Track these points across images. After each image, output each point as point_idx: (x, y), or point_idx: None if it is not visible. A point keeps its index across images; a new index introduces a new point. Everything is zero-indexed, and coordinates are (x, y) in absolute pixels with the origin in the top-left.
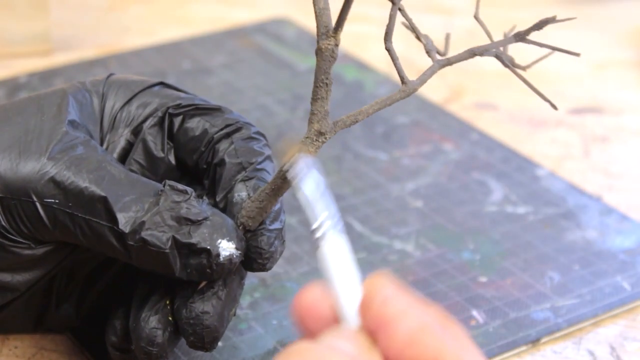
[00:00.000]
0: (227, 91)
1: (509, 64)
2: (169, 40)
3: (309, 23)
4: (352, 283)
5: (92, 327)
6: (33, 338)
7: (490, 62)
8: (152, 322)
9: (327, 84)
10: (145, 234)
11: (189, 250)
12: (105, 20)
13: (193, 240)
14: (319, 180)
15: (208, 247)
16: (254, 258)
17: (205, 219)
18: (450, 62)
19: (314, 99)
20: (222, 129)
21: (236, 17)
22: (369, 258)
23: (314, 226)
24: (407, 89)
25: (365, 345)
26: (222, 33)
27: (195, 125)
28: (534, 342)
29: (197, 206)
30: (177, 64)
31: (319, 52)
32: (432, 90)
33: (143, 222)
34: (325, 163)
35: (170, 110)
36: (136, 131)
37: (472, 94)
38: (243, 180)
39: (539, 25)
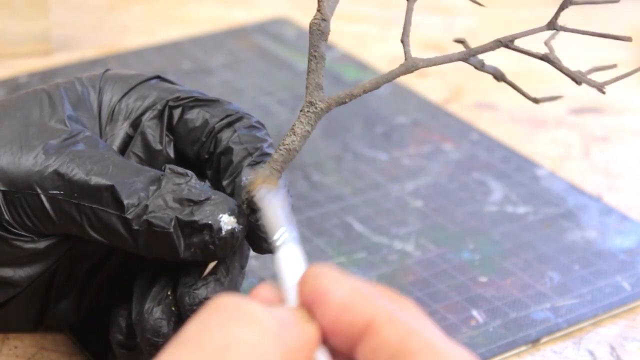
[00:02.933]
0: (227, 91)
1: (544, 57)
2: (169, 40)
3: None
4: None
5: (92, 325)
6: (33, 338)
7: (491, 63)
8: (156, 313)
9: (315, 56)
10: (149, 216)
11: (191, 228)
12: (105, 20)
13: (195, 218)
14: (281, 201)
15: (210, 222)
16: (264, 238)
17: (207, 199)
18: (475, 52)
19: (307, 72)
20: (223, 119)
21: (236, 17)
22: (369, 258)
23: (274, 237)
24: (407, 64)
25: (301, 316)
26: (222, 33)
27: (195, 116)
28: (534, 342)
29: (198, 187)
30: (177, 64)
31: (309, 27)
32: (432, 90)
33: (146, 206)
34: (325, 163)
35: (170, 103)
36: (135, 124)
37: (472, 94)
38: (250, 165)
39: (563, 5)
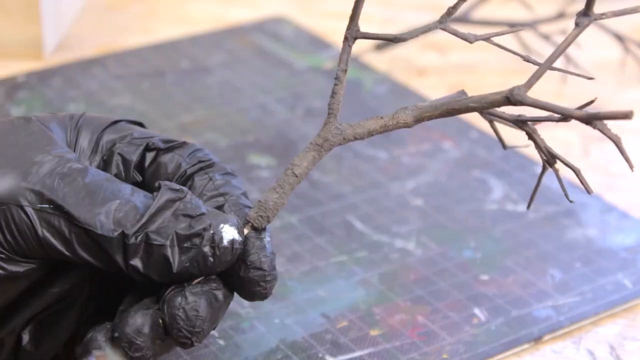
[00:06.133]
0: (225, 90)
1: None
2: (167, 39)
3: (307, 22)
4: None
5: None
6: None
7: (490, 62)
8: (138, 317)
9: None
10: (148, 230)
11: (190, 242)
12: (105, 19)
13: (195, 229)
14: None
15: (211, 232)
16: (256, 280)
17: (203, 213)
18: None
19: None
20: (195, 165)
21: (235, 16)
22: (370, 257)
23: None
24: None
25: None
26: (221, 32)
27: (169, 160)
28: (536, 340)
29: (194, 202)
30: (176, 63)
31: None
32: (432, 90)
33: (144, 223)
34: (325, 162)
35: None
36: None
37: (472, 93)
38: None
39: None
